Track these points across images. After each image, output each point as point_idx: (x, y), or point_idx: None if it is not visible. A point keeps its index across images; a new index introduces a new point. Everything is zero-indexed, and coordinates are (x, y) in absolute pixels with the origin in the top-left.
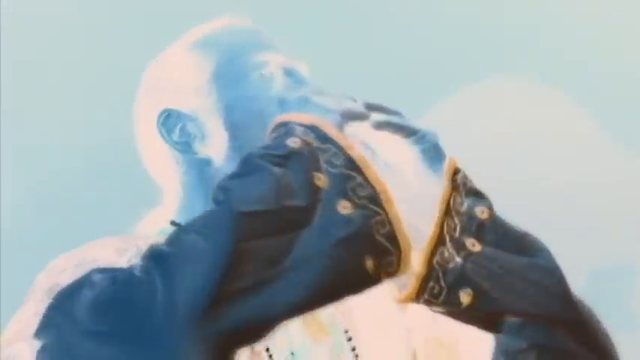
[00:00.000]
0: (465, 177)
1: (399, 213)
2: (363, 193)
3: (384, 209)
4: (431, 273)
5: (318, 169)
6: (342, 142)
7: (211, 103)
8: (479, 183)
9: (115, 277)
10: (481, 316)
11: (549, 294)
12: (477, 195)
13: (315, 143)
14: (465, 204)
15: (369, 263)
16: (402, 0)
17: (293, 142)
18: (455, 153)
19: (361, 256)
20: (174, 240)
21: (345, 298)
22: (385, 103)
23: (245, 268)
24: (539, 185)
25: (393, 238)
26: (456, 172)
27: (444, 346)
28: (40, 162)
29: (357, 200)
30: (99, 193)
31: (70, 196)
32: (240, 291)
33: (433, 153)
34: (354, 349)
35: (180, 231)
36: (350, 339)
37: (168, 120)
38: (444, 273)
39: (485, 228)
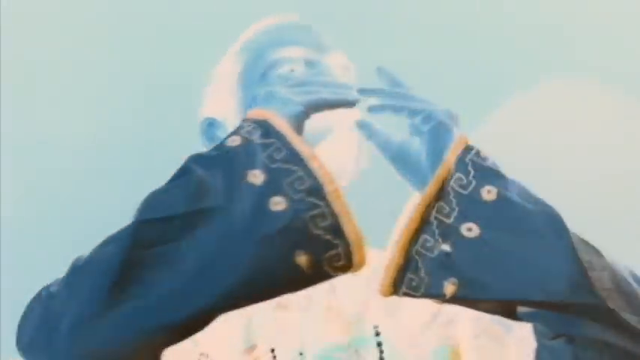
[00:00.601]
0: (478, 155)
1: (346, 204)
2: (301, 186)
3: (326, 201)
4: (408, 264)
5: (254, 166)
6: (288, 136)
7: (236, 105)
8: (540, 185)
9: (41, 292)
10: (485, 306)
11: (558, 278)
12: (491, 174)
13: (258, 139)
14: (473, 184)
15: (302, 259)
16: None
17: (232, 141)
18: (514, 154)
19: (290, 251)
20: (92, 250)
21: (279, 295)
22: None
23: (139, 275)
24: (600, 185)
25: (337, 230)
26: (466, 149)
27: (492, 338)
28: (40, 162)
29: (293, 195)
30: (99, 193)
31: (71, 196)
32: (132, 297)
33: (440, 131)
34: (379, 345)
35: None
36: (378, 334)
37: (210, 129)
38: (424, 263)
39: (489, 210)
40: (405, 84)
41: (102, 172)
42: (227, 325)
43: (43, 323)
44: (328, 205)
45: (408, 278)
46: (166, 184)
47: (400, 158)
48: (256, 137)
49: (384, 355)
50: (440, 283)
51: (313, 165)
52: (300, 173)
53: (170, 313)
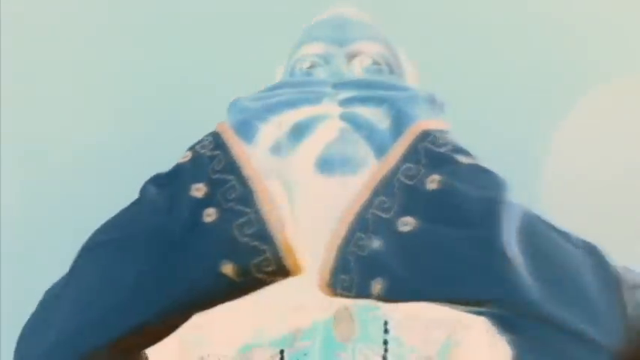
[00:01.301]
0: (434, 141)
1: (276, 209)
2: (232, 195)
3: (255, 208)
4: (341, 264)
5: (199, 180)
6: (230, 145)
7: None
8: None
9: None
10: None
11: (488, 275)
12: (442, 160)
13: (208, 152)
14: (421, 173)
15: (228, 268)
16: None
17: (183, 158)
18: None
19: (215, 262)
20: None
21: (209, 307)
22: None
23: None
24: None
25: (264, 236)
26: (422, 136)
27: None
28: (40, 162)
29: (224, 204)
30: (99, 193)
31: (71, 196)
32: (68, 318)
33: (400, 120)
34: (385, 343)
35: None
36: (387, 331)
37: None
38: (356, 262)
39: (429, 200)
40: (390, 71)
41: (102, 172)
42: (227, 327)
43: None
44: (256, 211)
45: (341, 279)
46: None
47: (382, 150)
48: (207, 150)
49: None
50: (367, 282)
51: (247, 172)
52: (234, 182)
53: (107, 330)
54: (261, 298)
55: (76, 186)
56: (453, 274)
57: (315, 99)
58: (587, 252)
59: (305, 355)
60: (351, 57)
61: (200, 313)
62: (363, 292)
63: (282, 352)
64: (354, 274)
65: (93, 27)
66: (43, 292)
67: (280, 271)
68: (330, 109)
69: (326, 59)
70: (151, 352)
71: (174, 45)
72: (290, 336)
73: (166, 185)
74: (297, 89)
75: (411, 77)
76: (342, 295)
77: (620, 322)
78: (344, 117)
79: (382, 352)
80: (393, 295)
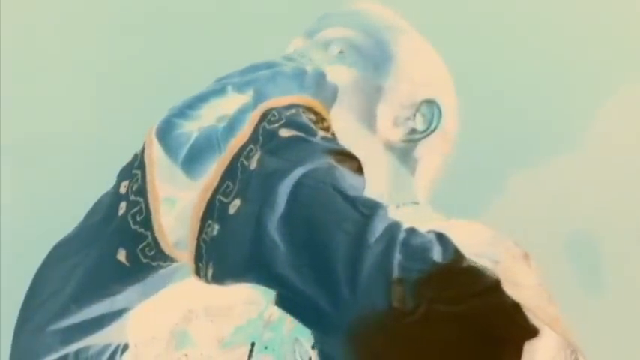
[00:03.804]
0: (272, 120)
1: (158, 196)
2: (135, 187)
3: (145, 197)
4: (198, 252)
5: (127, 177)
6: (146, 142)
7: None
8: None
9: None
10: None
11: (248, 258)
12: (269, 137)
13: (139, 150)
14: (256, 154)
15: (122, 254)
16: None
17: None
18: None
19: (114, 249)
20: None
21: (115, 294)
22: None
23: (39, 292)
24: None
25: (147, 222)
26: (264, 116)
27: None
28: (40, 162)
29: (130, 198)
30: (99, 194)
31: (71, 196)
32: (33, 314)
33: (256, 100)
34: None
35: None
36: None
37: None
38: (205, 249)
39: (248, 181)
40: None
41: (102, 172)
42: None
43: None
44: (146, 201)
45: (199, 267)
46: None
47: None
48: (140, 149)
49: None
50: (206, 268)
51: (148, 167)
52: (139, 176)
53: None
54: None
55: (76, 186)
56: (242, 255)
57: (221, 90)
58: (371, 221)
59: (265, 348)
60: (322, 46)
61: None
62: (208, 279)
63: (252, 344)
64: (204, 261)
65: (93, 26)
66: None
67: (160, 254)
68: (233, 99)
69: (301, 53)
70: (140, 344)
71: (174, 45)
72: (259, 329)
73: (111, 190)
74: (213, 82)
75: (406, 64)
76: (207, 282)
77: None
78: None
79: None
80: (216, 279)
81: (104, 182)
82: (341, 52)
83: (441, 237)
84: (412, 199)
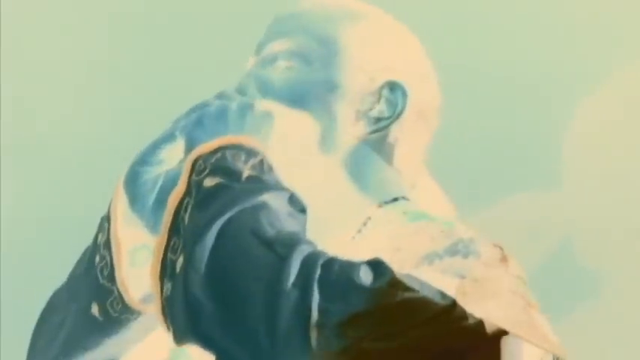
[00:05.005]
0: (199, 168)
1: (123, 250)
2: (104, 240)
3: (110, 250)
4: (162, 310)
5: (101, 229)
6: (114, 193)
7: None
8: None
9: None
10: None
11: (183, 320)
12: (195, 189)
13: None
14: (190, 206)
15: (95, 308)
16: None
17: None
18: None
19: (88, 304)
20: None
21: (94, 348)
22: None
23: (35, 347)
24: None
25: (113, 276)
26: (194, 166)
27: None
28: (40, 162)
29: (100, 251)
30: (99, 194)
31: (71, 196)
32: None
33: (188, 148)
34: None
35: None
36: None
37: None
38: (166, 308)
39: (185, 236)
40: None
41: (102, 172)
42: None
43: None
44: (111, 254)
45: (166, 325)
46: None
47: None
48: None
49: None
50: (169, 328)
51: (113, 220)
52: (106, 228)
53: None
54: None
55: (76, 186)
56: (181, 317)
57: (170, 136)
58: (287, 263)
59: None
60: (269, 63)
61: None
62: (172, 337)
63: None
64: (168, 321)
65: (93, 27)
66: (43, 291)
67: (126, 308)
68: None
69: (249, 74)
70: None
71: (177, 44)
72: None
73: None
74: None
75: (357, 54)
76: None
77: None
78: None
79: None
80: (176, 339)
81: (104, 182)
82: (288, 67)
83: (375, 266)
84: (397, 192)
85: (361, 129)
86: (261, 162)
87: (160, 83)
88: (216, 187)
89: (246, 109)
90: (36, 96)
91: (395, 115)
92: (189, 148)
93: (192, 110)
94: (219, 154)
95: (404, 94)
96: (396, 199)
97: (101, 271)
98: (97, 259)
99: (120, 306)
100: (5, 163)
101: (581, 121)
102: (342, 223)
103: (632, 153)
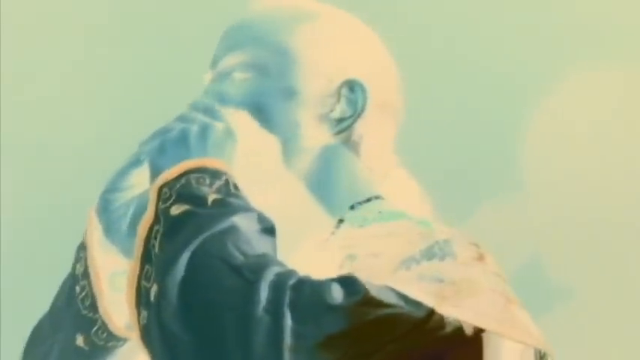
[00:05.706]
0: (164, 196)
1: (102, 280)
2: (82, 270)
3: (89, 280)
4: (142, 339)
5: (78, 258)
6: (88, 221)
7: None
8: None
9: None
10: None
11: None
12: (162, 218)
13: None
14: (159, 235)
15: (79, 339)
16: None
17: None
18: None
19: (72, 335)
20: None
21: None
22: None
23: None
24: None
25: (95, 306)
26: (159, 194)
27: None
28: (40, 162)
29: (79, 282)
30: (98, 194)
31: (70, 196)
32: None
33: (152, 176)
34: None
35: None
36: None
37: None
38: (145, 337)
39: (157, 264)
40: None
41: (102, 172)
42: None
43: None
44: (90, 283)
45: (148, 353)
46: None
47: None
48: None
49: None
50: (150, 356)
51: (89, 248)
52: (83, 258)
53: None
54: None
55: (76, 186)
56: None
57: (136, 161)
58: (256, 288)
59: None
60: (226, 77)
61: None
62: None
63: None
64: (148, 349)
65: (93, 27)
66: (43, 291)
67: (111, 336)
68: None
69: (206, 90)
70: None
71: (177, 44)
72: None
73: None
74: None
75: (310, 58)
76: None
77: None
78: None
79: None
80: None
81: (104, 182)
82: (244, 79)
83: (347, 283)
84: (370, 192)
85: (325, 132)
86: (227, 183)
87: (160, 83)
88: (183, 215)
89: (207, 130)
90: (36, 96)
91: (357, 114)
92: (153, 176)
93: (155, 135)
94: (183, 180)
95: (363, 91)
96: (369, 200)
97: (82, 301)
98: (77, 289)
99: (105, 334)
100: (5, 163)
101: (539, 124)
102: (313, 232)
103: (594, 153)
